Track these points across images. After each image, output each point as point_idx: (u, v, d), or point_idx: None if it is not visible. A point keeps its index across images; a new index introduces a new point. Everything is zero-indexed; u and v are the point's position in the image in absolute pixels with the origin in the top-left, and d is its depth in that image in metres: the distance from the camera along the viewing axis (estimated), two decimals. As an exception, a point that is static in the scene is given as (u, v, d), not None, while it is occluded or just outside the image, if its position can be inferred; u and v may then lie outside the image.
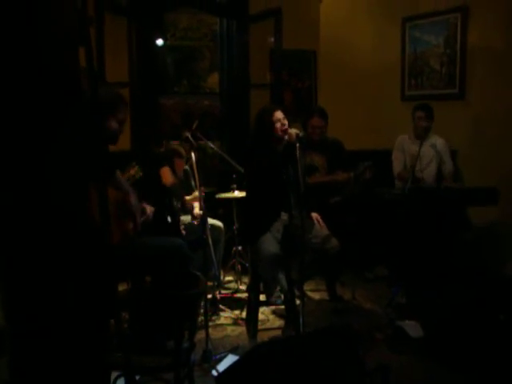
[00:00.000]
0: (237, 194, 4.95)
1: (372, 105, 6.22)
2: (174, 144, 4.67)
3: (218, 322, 4.40)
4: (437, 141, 4.97)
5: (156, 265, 3.55)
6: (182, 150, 4.70)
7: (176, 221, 4.35)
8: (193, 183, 4.98)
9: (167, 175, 4.33)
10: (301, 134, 3.89)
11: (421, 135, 4.93)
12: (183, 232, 4.34)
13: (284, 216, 4.00)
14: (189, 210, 4.77)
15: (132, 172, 3.57)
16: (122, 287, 4.06)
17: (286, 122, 4.01)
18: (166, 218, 4.24)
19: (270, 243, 3.83)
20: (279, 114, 4.03)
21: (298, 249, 3.68)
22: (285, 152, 4.03)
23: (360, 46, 6.34)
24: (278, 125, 3.99)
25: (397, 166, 5.14)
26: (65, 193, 1.73)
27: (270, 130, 4.00)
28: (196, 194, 4.66)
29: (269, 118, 4.01)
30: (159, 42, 6.19)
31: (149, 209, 3.77)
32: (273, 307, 4.59)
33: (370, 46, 6.26)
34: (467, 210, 4.80)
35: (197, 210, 4.69)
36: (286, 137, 3.96)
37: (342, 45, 6.46)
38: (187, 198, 4.79)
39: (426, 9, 5.69)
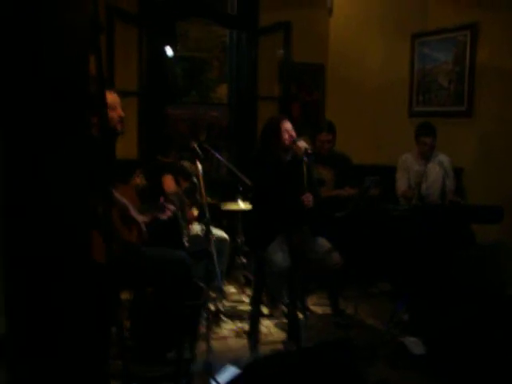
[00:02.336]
0: (242, 205, 4.95)
1: (379, 120, 6.23)
2: (184, 162, 4.65)
3: (220, 333, 4.38)
4: (443, 159, 4.95)
5: (159, 276, 3.55)
6: (189, 170, 4.65)
7: (179, 231, 4.35)
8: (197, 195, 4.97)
9: (169, 183, 4.34)
10: (309, 150, 3.90)
11: (426, 155, 4.92)
12: (186, 244, 4.33)
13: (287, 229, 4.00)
14: (189, 221, 4.74)
15: (137, 180, 3.58)
16: (124, 296, 4.07)
17: (293, 133, 4.03)
18: (169, 229, 4.23)
19: (276, 255, 3.83)
20: (287, 125, 4.05)
21: (298, 263, 3.69)
22: (290, 164, 4.04)
23: (369, 61, 6.36)
24: (286, 135, 4.01)
25: (401, 185, 5.10)
26: (68, 198, 1.74)
27: (277, 139, 4.02)
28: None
29: (276, 127, 4.04)
30: (169, 51, 6.22)
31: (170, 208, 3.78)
32: (275, 320, 4.57)
33: (379, 61, 6.28)
34: (471, 227, 4.77)
35: (195, 227, 4.67)
36: (294, 147, 3.97)
37: (351, 59, 6.49)
38: (193, 212, 4.78)
39: (436, 26, 5.70)
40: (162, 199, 3.80)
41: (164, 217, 3.75)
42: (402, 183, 5.10)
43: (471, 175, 5.30)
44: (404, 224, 4.47)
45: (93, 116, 2.00)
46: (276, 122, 4.10)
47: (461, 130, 5.44)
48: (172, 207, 3.79)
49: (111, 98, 3.41)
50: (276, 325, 4.55)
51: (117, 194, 3.39)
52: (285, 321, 4.36)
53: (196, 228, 4.67)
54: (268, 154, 4.08)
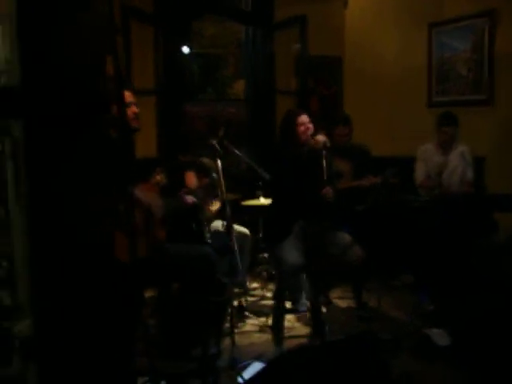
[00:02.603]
0: (262, 201, 4.95)
1: (398, 111, 6.18)
2: (204, 159, 4.66)
3: (244, 328, 4.40)
4: (464, 149, 4.90)
5: (184, 272, 3.58)
6: (211, 167, 4.65)
7: (201, 228, 4.36)
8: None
9: (192, 179, 4.36)
10: (328, 144, 3.90)
11: (448, 146, 4.90)
12: (208, 240, 4.35)
13: (303, 223, 3.99)
14: (208, 217, 4.72)
15: (158, 178, 3.60)
16: (149, 294, 4.10)
17: (310, 126, 4.02)
18: (191, 225, 4.25)
19: (289, 253, 3.82)
20: (304, 118, 4.05)
21: (320, 259, 3.69)
22: (308, 157, 4.03)
23: (386, 52, 6.31)
24: (302, 128, 4.00)
25: (419, 176, 5.06)
26: (90, 198, 1.75)
27: (293, 133, 4.02)
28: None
29: (292, 121, 4.04)
30: (185, 49, 6.23)
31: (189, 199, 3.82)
32: (299, 315, 4.58)
33: (396, 51, 6.24)
34: (494, 216, 4.72)
35: (216, 223, 4.68)
36: (313, 141, 3.96)
37: (368, 51, 6.46)
38: (213, 208, 4.77)
39: (453, 14, 5.64)
40: (180, 193, 3.83)
41: (187, 202, 3.79)
42: (420, 173, 5.07)
43: (493, 164, 5.25)
44: (425, 215, 4.44)
45: (110, 114, 2.01)
46: (292, 116, 4.10)
47: (481, 119, 5.38)
48: (191, 198, 3.82)
49: (124, 95, 3.43)
50: (299, 319, 4.56)
51: (139, 193, 3.40)
52: (308, 315, 4.36)
53: (217, 224, 4.68)
54: (286, 148, 4.08)
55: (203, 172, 4.59)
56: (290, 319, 4.49)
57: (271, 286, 5.12)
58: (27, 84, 1.60)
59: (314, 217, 3.99)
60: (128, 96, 3.48)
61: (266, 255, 5.29)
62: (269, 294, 5.07)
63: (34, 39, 1.60)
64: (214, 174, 4.46)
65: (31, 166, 1.62)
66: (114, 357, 1.85)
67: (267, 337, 4.20)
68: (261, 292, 5.21)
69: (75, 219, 1.70)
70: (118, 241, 1.97)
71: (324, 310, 3.95)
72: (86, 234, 1.74)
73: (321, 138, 3.94)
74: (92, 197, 1.76)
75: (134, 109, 3.50)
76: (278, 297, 4.14)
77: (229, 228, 3.98)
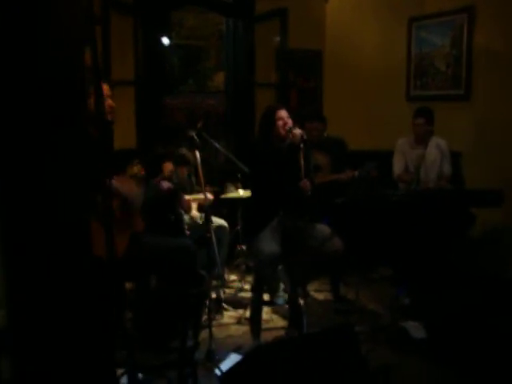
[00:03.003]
0: (241, 193, 4.95)
1: (377, 105, 6.21)
2: (183, 150, 4.64)
3: (222, 321, 4.41)
4: (441, 142, 4.94)
5: (164, 265, 3.57)
6: (190, 158, 4.63)
7: (179, 220, 4.35)
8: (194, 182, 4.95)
9: (170, 168, 4.35)
10: (305, 137, 3.91)
11: (423, 140, 4.92)
12: (187, 232, 4.34)
13: (281, 216, 3.99)
14: (185, 209, 4.69)
15: (135, 170, 3.58)
16: (127, 286, 4.08)
17: (289, 122, 4.02)
18: (169, 217, 4.23)
19: (266, 243, 3.82)
20: (283, 113, 4.04)
21: (298, 251, 3.70)
22: (288, 151, 4.04)
23: (366, 46, 6.34)
24: (281, 123, 4.00)
25: (397, 169, 5.10)
26: (67, 193, 1.74)
27: (273, 128, 4.02)
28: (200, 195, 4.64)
29: (272, 116, 4.04)
30: (165, 40, 6.19)
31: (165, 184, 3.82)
32: (276, 307, 4.59)
33: (376, 45, 6.26)
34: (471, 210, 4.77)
35: (194, 212, 4.66)
36: (291, 136, 3.97)
37: (348, 45, 6.48)
38: (192, 196, 4.75)
39: (433, 9, 5.67)
40: (155, 180, 3.82)
41: (163, 188, 3.78)
42: (398, 167, 5.10)
43: (469, 159, 5.30)
44: (403, 209, 4.47)
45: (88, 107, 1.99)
46: (271, 111, 4.10)
47: (459, 114, 5.43)
48: (167, 184, 3.81)
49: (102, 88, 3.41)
50: (277, 311, 4.57)
51: (116, 183, 3.38)
52: (286, 307, 4.38)
53: (195, 216, 4.68)
54: (266, 143, 4.08)
55: (182, 163, 4.59)
56: (267, 311, 4.51)
57: (249, 279, 5.13)
58: (1, 74, 1.58)
59: (293, 210, 3.99)
60: (105, 89, 3.45)
61: (244, 247, 5.29)
62: (247, 287, 5.08)
63: (6, 31, 1.58)
64: (194, 178, 4.45)
65: (4, 160, 1.61)
66: (92, 349, 1.85)
67: (245, 329, 4.21)
68: (239, 284, 5.22)
69: (50, 212, 1.69)
70: (95, 235, 1.95)
71: (302, 302, 3.96)
72: (63, 227, 1.73)
73: (297, 131, 3.94)
74: (68, 190, 1.75)
75: (111, 102, 3.48)
76: (256, 289, 4.15)
77: (207, 220, 3.98)
